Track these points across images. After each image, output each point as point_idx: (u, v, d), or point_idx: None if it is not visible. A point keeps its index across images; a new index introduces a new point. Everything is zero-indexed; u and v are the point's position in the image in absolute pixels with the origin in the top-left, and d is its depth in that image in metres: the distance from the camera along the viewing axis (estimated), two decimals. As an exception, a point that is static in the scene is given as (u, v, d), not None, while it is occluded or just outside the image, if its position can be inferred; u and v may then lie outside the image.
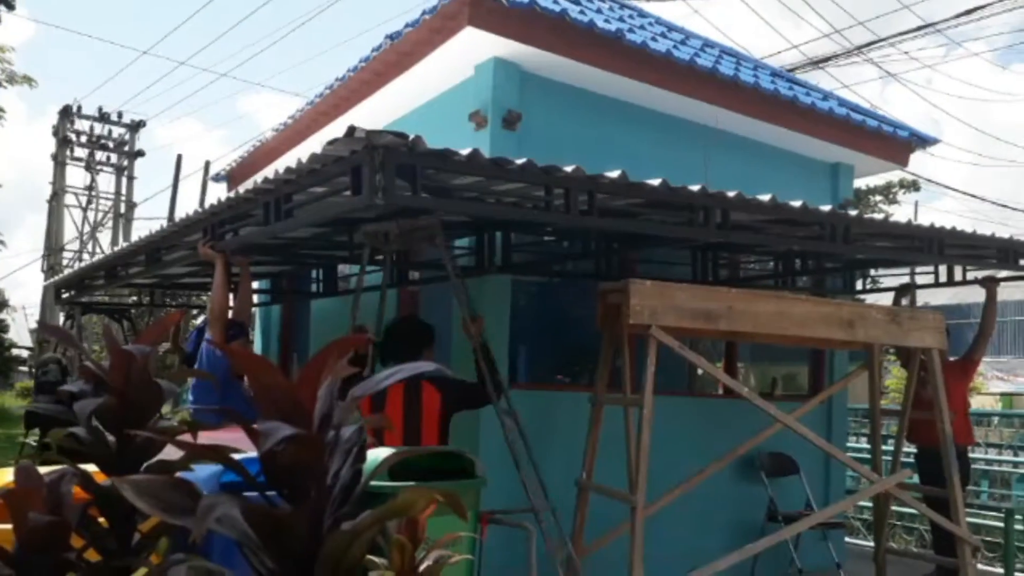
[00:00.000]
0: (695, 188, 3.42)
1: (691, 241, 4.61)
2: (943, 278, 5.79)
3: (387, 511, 0.96)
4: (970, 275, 5.74)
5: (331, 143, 2.67)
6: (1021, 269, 5.12)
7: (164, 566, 1.13)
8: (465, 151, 2.86)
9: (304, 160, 2.88)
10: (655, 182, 3.33)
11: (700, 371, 6.24)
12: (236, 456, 1.09)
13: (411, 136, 2.66)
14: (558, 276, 3.94)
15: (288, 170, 3.01)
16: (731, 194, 3.54)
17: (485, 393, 3.62)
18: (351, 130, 2.55)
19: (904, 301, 5.87)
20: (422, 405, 3.56)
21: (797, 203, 3.76)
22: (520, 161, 3.01)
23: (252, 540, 0.93)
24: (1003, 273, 5.69)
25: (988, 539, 6.90)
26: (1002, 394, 15.06)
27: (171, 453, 1.42)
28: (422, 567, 1.36)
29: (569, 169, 3.12)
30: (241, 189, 3.47)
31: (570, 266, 5.19)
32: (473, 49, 5.04)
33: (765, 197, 3.62)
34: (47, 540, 1.28)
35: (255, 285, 6.40)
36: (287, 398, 0.94)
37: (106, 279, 6.16)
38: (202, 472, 1.83)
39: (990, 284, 5.66)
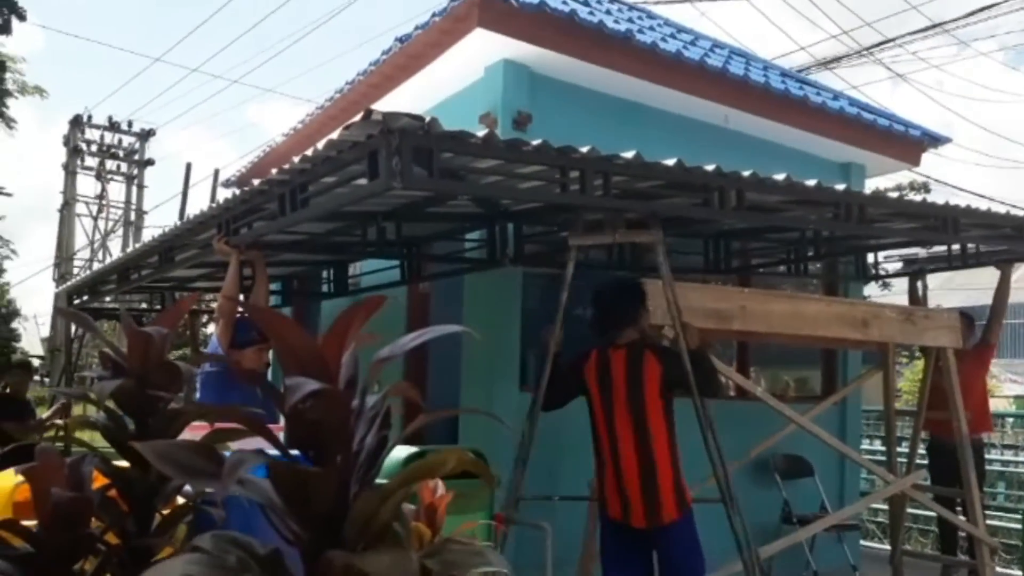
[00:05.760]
0: (710, 168, 3.43)
1: (706, 223, 4.60)
2: (957, 263, 5.77)
3: (416, 471, 0.95)
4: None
5: (347, 127, 2.68)
6: None
7: (191, 540, 1.12)
8: (481, 133, 2.88)
9: (320, 148, 2.89)
10: (670, 162, 3.33)
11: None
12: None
13: (427, 118, 2.67)
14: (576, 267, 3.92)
15: (304, 158, 3.01)
16: (746, 174, 3.54)
17: (706, 381, 3.64)
18: (368, 113, 2.56)
19: (918, 285, 5.87)
20: (644, 374, 3.55)
21: (812, 182, 3.75)
22: (536, 142, 3.02)
23: (276, 504, 0.92)
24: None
25: (1005, 541, 6.83)
26: (1016, 396, 14.96)
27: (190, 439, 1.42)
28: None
29: (584, 150, 3.12)
30: (255, 182, 3.47)
31: (582, 256, 5.21)
32: (483, 51, 5.06)
33: (780, 176, 3.62)
34: (69, 517, 1.28)
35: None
36: (313, 358, 0.93)
37: (118, 282, 6.17)
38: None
39: (1004, 266, 5.65)
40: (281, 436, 1.12)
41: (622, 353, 3.61)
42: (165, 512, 1.43)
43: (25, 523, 1.37)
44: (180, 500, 1.48)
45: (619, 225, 3.70)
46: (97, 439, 1.52)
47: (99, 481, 1.43)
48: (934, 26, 10.79)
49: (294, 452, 1.03)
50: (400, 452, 2.97)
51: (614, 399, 3.58)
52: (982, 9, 9.83)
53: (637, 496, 3.51)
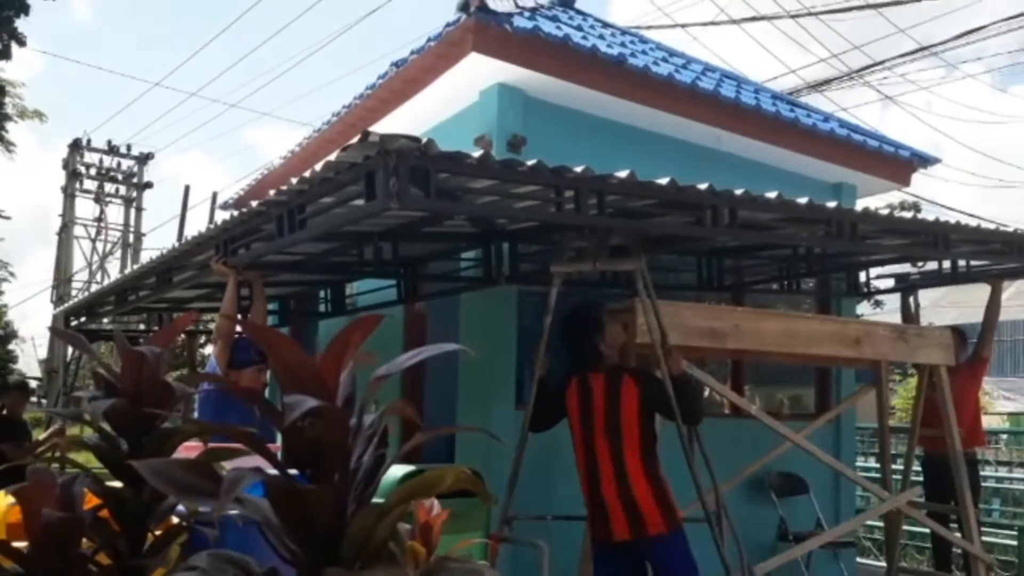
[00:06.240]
0: (703, 186, 3.47)
1: (699, 241, 4.64)
2: (948, 279, 5.84)
3: (414, 488, 0.97)
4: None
5: (345, 149, 2.72)
6: None
7: (187, 560, 1.13)
8: (476, 153, 2.92)
9: (318, 169, 2.92)
10: (663, 181, 3.38)
11: (707, 391, 6.22)
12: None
13: (423, 139, 2.71)
14: (565, 285, 3.96)
15: (301, 180, 3.05)
16: (738, 192, 3.59)
17: (688, 409, 3.64)
18: (365, 135, 2.60)
19: (910, 302, 5.93)
20: (621, 398, 3.60)
21: (803, 199, 3.80)
22: (530, 162, 3.07)
23: (273, 523, 0.93)
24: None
25: (1001, 557, 6.82)
26: (1009, 414, 14.97)
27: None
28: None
29: (579, 169, 3.17)
30: (253, 204, 3.51)
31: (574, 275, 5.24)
32: (478, 75, 5.11)
33: (772, 194, 3.67)
34: (60, 537, 1.29)
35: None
36: (311, 376, 0.95)
37: (116, 303, 6.18)
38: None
39: (995, 281, 5.70)
40: (278, 456, 1.14)
41: (601, 378, 3.68)
42: (158, 533, 1.43)
43: (16, 544, 1.37)
44: (175, 521, 1.49)
45: (601, 253, 3.74)
46: (93, 461, 1.53)
47: (92, 502, 1.44)
48: (922, 49, 10.93)
49: (293, 472, 1.04)
50: (397, 471, 2.98)
51: (594, 423, 3.64)
52: (969, 32, 9.96)
53: (618, 510, 3.56)
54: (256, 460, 1.11)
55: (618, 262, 3.84)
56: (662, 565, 3.58)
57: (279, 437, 1.13)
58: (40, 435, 7.68)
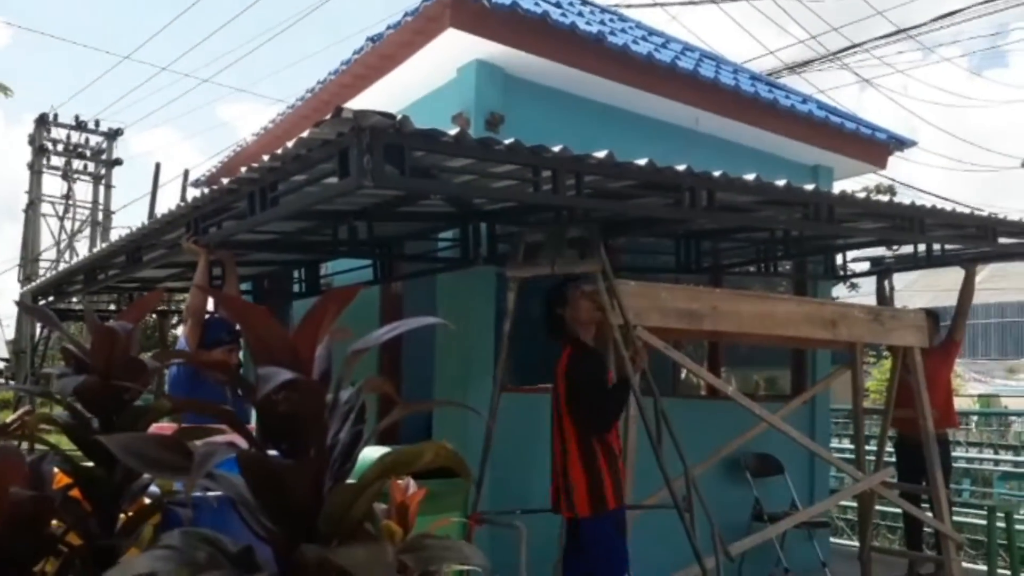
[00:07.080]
0: (681, 168, 3.46)
1: (677, 223, 4.64)
2: (923, 263, 5.91)
3: (393, 463, 0.94)
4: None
5: (318, 125, 2.66)
6: (1000, 247, 5.16)
7: (159, 539, 1.10)
8: (452, 131, 2.87)
9: (290, 146, 2.86)
10: (641, 162, 3.35)
11: (684, 373, 6.25)
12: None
13: (399, 116, 2.66)
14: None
15: (273, 156, 2.98)
16: (716, 173, 3.58)
17: (612, 408, 3.63)
18: (338, 111, 2.54)
19: (885, 285, 6.01)
20: (558, 372, 3.70)
21: (781, 182, 3.81)
22: (508, 141, 3.03)
23: (248, 500, 0.90)
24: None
25: (971, 536, 6.97)
26: (980, 395, 15.30)
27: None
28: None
29: (556, 149, 3.13)
30: (224, 182, 3.43)
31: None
32: (455, 51, 5.04)
33: (750, 176, 3.66)
34: (29, 517, 1.25)
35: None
36: (285, 349, 0.91)
37: (84, 282, 6.06)
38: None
39: (969, 265, 5.77)
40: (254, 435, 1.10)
41: (559, 348, 3.78)
42: (131, 513, 1.40)
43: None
44: (148, 501, 1.45)
45: (560, 252, 3.74)
46: (65, 442, 1.48)
47: (62, 481, 1.39)
48: (900, 31, 10.99)
49: (271, 453, 1.01)
50: (373, 452, 2.95)
51: (553, 394, 3.75)
52: (946, 15, 10.04)
53: (561, 485, 3.66)
54: (229, 439, 1.07)
55: (578, 263, 3.78)
56: (584, 546, 3.63)
57: (253, 418, 1.10)
58: (7, 417, 7.55)
